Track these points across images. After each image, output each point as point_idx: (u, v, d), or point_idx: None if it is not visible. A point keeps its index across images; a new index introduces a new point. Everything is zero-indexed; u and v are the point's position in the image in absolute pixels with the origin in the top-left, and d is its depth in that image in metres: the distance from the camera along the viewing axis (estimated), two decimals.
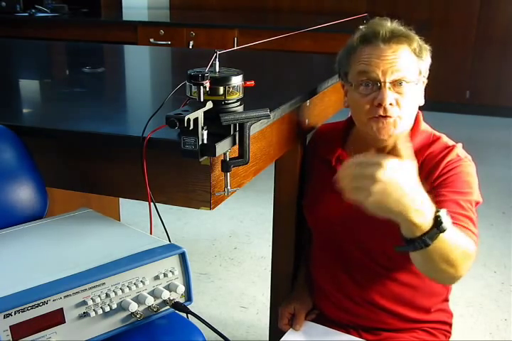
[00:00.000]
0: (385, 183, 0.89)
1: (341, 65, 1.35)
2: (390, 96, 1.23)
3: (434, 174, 1.27)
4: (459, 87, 4.94)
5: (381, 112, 1.24)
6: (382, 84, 1.24)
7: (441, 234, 0.97)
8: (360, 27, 1.33)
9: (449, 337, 1.43)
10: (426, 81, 1.33)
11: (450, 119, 4.54)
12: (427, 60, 1.30)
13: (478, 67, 4.94)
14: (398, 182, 0.91)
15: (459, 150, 1.32)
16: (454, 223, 1.09)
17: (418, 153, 1.29)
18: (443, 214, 0.97)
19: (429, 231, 0.96)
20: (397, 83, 1.24)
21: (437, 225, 0.96)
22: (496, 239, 2.83)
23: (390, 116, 1.25)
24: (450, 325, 1.45)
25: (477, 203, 1.26)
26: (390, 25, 1.29)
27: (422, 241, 0.97)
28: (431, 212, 0.97)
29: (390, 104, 1.24)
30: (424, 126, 1.36)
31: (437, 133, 1.36)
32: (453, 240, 1.01)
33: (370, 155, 0.95)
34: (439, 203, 1.18)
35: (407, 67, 1.25)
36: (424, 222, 0.96)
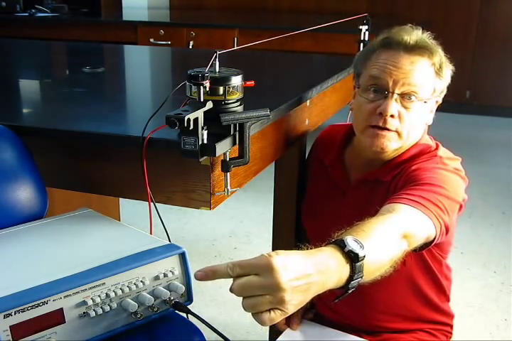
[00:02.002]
0: (293, 298, 0.72)
1: (357, 66, 1.31)
2: (393, 107, 1.19)
3: (403, 177, 1.21)
4: (459, 87, 4.93)
5: (380, 123, 1.20)
6: (390, 94, 1.19)
7: (364, 262, 0.81)
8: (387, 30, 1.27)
9: (450, 338, 1.43)
10: (440, 101, 1.28)
11: (450, 119, 4.54)
12: (445, 79, 1.25)
13: (478, 67, 4.94)
14: (301, 286, 0.73)
15: (451, 165, 1.23)
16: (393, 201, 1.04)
17: (408, 162, 1.26)
18: (350, 244, 0.81)
19: (353, 274, 0.80)
20: (406, 96, 1.20)
21: (354, 260, 0.80)
22: (496, 239, 2.83)
23: (388, 129, 1.21)
24: (451, 326, 1.44)
25: (453, 199, 1.13)
26: (417, 34, 1.23)
27: (354, 283, 0.81)
28: (339, 259, 0.79)
29: (392, 116, 1.20)
30: (424, 140, 1.31)
31: (434, 146, 1.30)
32: (380, 251, 0.89)
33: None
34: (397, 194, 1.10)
35: (421, 82, 1.20)
36: (343, 272, 0.80)
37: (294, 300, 0.73)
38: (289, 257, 0.75)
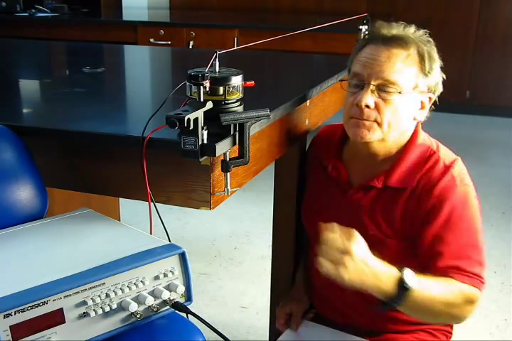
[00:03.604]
0: (358, 261, 1.06)
1: (349, 63, 1.33)
2: (368, 98, 1.21)
3: (427, 202, 1.24)
4: (459, 87, 4.94)
5: (357, 113, 1.22)
6: (366, 85, 1.22)
7: (409, 293, 1.09)
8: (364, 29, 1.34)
9: (450, 338, 1.43)
10: (434, 97, 1.28)
11: (450, 119, 4.54)
12: (432, 75, 1.24)
13: (478, 67, 4.94)
14: (366, 262, 1.07)
15: (457, 169, 1.27)
16: (447, 275, 1.19)
17: (414, 169, 1.27)
18: (407, 275, 1.10)
19: (395, 295, 1.09)
20: (382, 88, 1.21)
21: (401, 288, 1.09)
22: (496, 239, 2.83)
23: (365, 119, 1.22)
24: (451, 326, 1.44)
25: (480, 231, 1.26)
26: (397, 28, 1.25)
27: (392, 303, 1.10)
28: (392, 278, 1.10)
29: (367, 106, 1.21)
30: (421, 139, 1.31)
31: (435, 146, 1.31)
32: (426, 295, 1.12)
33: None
34: (437, 244, 1.23)
35: (397, 74, 1.20)
36: (388, 289, 1.09)
37: (352, 272, 1.04)
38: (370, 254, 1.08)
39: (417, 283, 1.10)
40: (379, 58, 1.21)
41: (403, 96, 1.22)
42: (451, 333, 1.43)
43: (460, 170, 1.27)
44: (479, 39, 4.91)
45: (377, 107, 1.22)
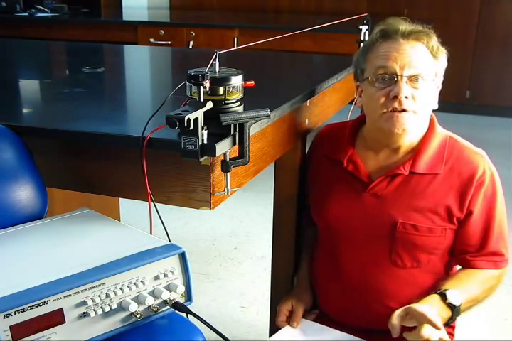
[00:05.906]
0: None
1: (358, 63, 1.36)
2: (405, 89, 1.24)
3: (467, 189, 1.32)
4: (459, 87, 4.94)
5: (396, 105, 1.25)
6: (399, 77, 1.25)
7: (459, 308, 1.24)
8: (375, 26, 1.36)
9: (452, 339, 1.43)
10: (440, 86, 1.33)
11: (450, 119, 4.52)
12: (442, 62, 1.32)
13: (478, 67, 4.94)
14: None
15: (486, 157, 1.39)
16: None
17: (439, 155, 1.33)
18: (451, 299, 1.24)
19: (451, 315, 1.24)
20: (413, 78, 1.25)
21: (454, 312, 1.24)
22: None
23: (405, 110, 1.25)
24: (453, 327, 1.44)
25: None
26: (409, 23, 1.31)
27: (451, 321, 1.26)
28: (446, 312, 1.24)
29: (405, 97, 1.24)
30: (440, 127, 1.37)
31: (453, 135, 1.39)
32: (471, 300, 1.29)
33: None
34: (480, 235, 1.34)
35: (424, 63, 1.27)
36: (444, 314, 1.23)
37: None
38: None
39: (460, 296, 1.24)
40: (405, 51, 1.26)
41: (429, 85, 1.28)
42: (453, 335, 1.43)
43: (487, 157, 1.39)
44: (479, 39, 4.91)
45: (412, 97, 1.26)
